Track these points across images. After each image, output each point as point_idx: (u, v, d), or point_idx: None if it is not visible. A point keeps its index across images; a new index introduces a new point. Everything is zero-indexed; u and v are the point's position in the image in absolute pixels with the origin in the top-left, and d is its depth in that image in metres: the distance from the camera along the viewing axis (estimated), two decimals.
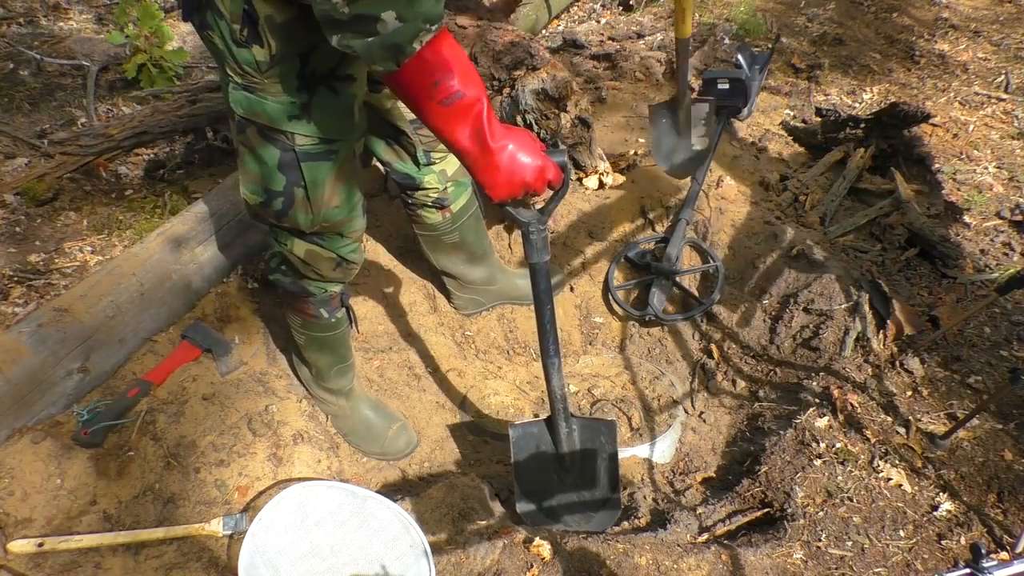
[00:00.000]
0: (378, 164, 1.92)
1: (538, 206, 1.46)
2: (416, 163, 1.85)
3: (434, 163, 1.86)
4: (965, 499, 1.67)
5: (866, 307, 2.12)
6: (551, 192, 1.40)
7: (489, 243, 2.21)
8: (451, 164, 1.89)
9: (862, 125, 2.74)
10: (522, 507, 1.79)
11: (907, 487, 1.71)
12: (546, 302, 1.54)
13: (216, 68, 1.39)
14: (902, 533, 1.63)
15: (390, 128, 1.78)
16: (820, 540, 1.62)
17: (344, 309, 1.80)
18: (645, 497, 1.93)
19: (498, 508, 1.82)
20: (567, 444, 1.78)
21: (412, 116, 1.72)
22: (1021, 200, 2.61)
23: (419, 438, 2.05)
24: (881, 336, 2.08)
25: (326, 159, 1.41)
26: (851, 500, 1.69)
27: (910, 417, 1.86)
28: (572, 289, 2.51)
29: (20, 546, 1.50)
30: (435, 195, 1.91)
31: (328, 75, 1.34)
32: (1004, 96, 3.23)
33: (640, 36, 3.66)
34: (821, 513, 1.67)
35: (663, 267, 2.40)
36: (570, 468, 1.82)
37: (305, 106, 1.34)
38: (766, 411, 2.08)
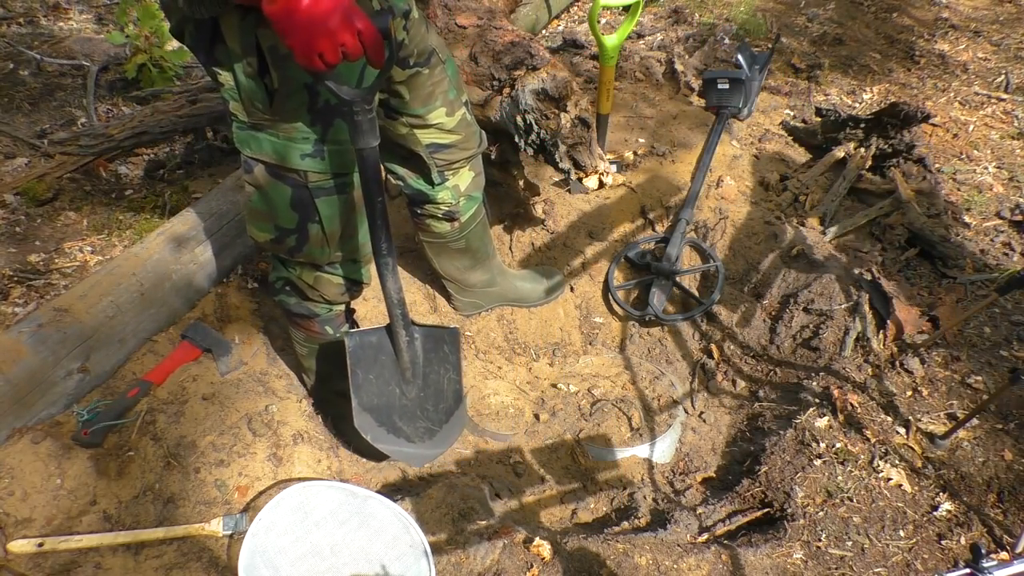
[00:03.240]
0: (390, 176, 1.92)
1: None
2: (430, 183, 1.84)
3: (447, 180, 1.84)
4: (965, 499, 1.67)
5: (866, 307, 2.12)
6: (371, 67, 1.22)
7: (493, 247, 2.21)
8: (464, 179, 1.87)
9: (862, 125, 2.74)
10: (361, 421, 1.63)
11: (907, 487, 1.71)
12: (375, 193, 1.37)
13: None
14: (902, 533, 1.63)
15: (405, 151, 1.76)
16: (820, 540, 1.62)
17: (347, 325, 1.79)
18: (645, 497, 1.93)
19: (498, 508, 1.82)
20: (408, 353, 1.64)
21: (428, 141, 1.71)
22: (1021, 200, 2.61)
23: None
24: (881, 336, 2.08)
25: (341, 192, 1.39)
26: (851, 500, 1.69)
27: (910, 417, 1.86)
28: (572, 289, 2.51)
29: (20, 546, 1.50)
30: (446, 208, 1.90)
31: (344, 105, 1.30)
32: (1004, 96, 3.23)
33: (640, 36, 3.66)
34: (821, 513, 1.67)
35: (663, 267, 2.40)
36: (412, 380, 1.69)
37: (319, 141, 1.30)
38: (766, 411, 2.08)
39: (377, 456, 1.91)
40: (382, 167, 1.51)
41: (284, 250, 1.48)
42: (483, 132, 1.88)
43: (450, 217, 1.92)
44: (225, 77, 1.25)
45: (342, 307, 1.71)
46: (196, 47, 1.25)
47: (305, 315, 1.68)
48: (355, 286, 1.63)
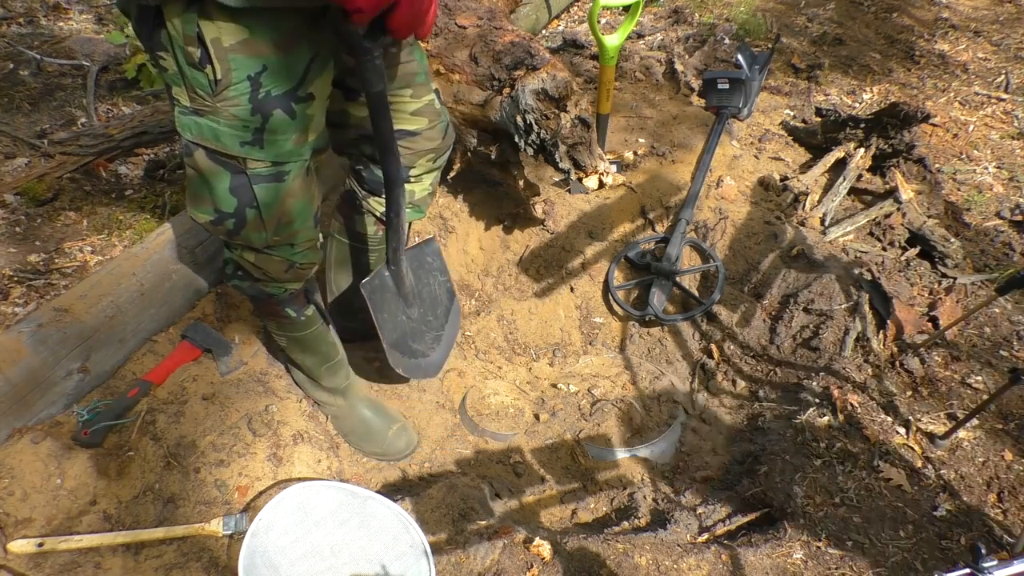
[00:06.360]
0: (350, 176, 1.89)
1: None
2: None
3: (409, 180, 1.80)
4: (965, 499, 1.67)
5: (866, 307, 2.12)
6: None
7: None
8: (420, 188, 1.82)
9: (862, 125, 2.74)
10: (393, 359, 1.78)
11: (907, 487, 1.71)
12: (387, 128, 1.49)
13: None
14: (902, 533, 1.63)
15: (363, 137, 1.72)
16: (820, 540, 1.62)
17: (312, 306, 1.77)
18: (645, 497, 1.93)
19: (498, 508, 1.82)
20: (406, 280, 1.79)
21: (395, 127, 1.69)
22: (1021, 200, 2.61)
23: (419, 438, 2.05)
24: (881, 336, 2.08)
25: (279, 180, 1.40)
26: (851, 500, 1.69)
27: (910, 417, 1.86)
28: (572, 289, 2.51)
29: (20, 546, 1.50)
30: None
31: (286, 96, 1.32)
32: (1004, 96, 3.23)
33: (640, 36, 3.66)
34: (821, 513, 1.67)
35: (663, 267, 2.40)
36: (413, 302, 1.85)
37: (258, 130, 1.32)
38: (766, 411, 2.08)
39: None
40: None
41: (223, 232, 1.49)
42: (451, 127, 1.82)
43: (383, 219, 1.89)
44: (168, 63, 1.26)
45: (297, 286, 1.70)
46: (139, 31, 1.27)
47: (262, 297, 1.69)
48: (297, 267, 1.63)
